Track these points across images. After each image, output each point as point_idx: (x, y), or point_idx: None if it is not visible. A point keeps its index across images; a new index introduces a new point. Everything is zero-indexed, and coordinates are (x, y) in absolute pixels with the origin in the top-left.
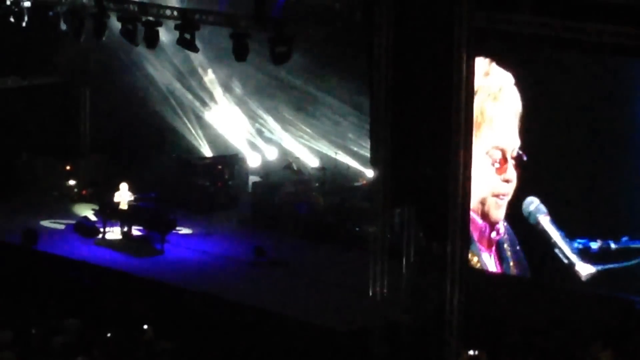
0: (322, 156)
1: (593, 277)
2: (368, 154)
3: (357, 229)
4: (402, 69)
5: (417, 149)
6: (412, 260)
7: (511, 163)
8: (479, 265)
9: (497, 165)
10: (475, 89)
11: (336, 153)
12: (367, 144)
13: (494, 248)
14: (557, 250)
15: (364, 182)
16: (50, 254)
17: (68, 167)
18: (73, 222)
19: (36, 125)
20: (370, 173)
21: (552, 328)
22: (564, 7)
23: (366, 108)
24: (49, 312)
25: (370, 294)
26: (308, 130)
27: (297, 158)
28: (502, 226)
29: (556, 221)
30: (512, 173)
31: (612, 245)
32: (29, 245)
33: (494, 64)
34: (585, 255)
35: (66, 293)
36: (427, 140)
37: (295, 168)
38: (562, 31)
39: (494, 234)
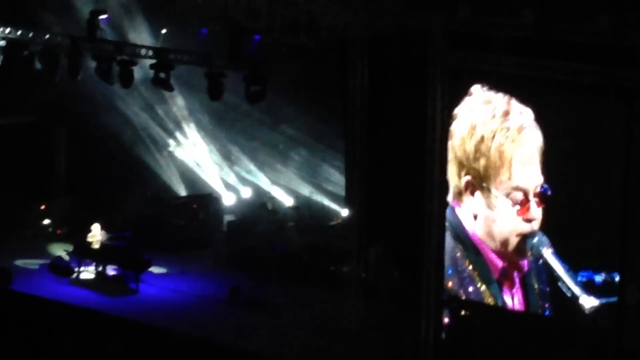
0: (296, 195)
1: (597, 310)
2: (343, 193)
3: (332, 268)
4: (377, 108)
5: (391, 188)
6: (387, 299)
7: (534, 201)
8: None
9: (517, 207)
10: (492, 132)
11: (311, 192)
12: (342, 183)
13: (517, 286)
14: (560, 283)
15: (339, 221)
16: (25, 293)
17: (42, 207)
18: (47, 261)
19: (10, 164)
20: (344, 212)
21: None
22: (538, 47)
23: (341, 147)
24: (24, 352)
25: (346, 333)
26: (283, 169)
27: (272, 197)
28: (526, 263)
29: (560, 254)
30: (535, 211)
31: (617, 278)
32: (3, 285)
33: (513, 101)
34: (589, 288)
35: (40, 333)
36: (401, 179)
37: (270, 207)
38: (536, 70)
39: (516, 273)
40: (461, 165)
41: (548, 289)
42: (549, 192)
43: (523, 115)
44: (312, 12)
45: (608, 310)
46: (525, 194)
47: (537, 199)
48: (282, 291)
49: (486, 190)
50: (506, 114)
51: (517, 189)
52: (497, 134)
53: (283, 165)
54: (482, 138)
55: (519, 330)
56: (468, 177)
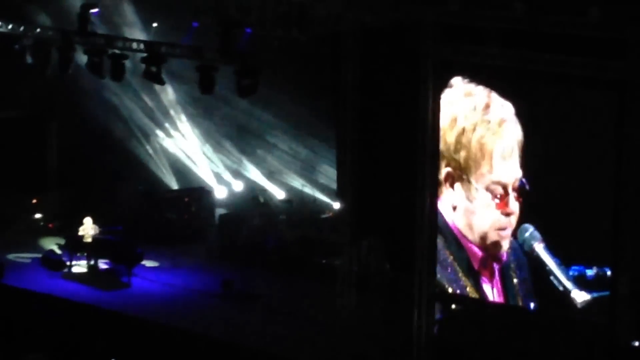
0: (289, 188)
1: (589, 304)
2: (334, 186)
3: (323, 260)
4: (368, 101)
5: (383, 181)
6: (379, 292)
7: (512, 195)
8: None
9: (497, 200)
10: (473, 125)
11: (303, 185)
12: (334, 176)
13: (497, 277)
14: (552, 278)
15: (331, 214)
16: (17, 287)
17: (34, 201)
18: (39, 255)
19: (2, 158)
20: (336, 205)
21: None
22: (529, 39)
23: (333, 140)
24: (15, 345)
25: (338, 325)
26: (275, 162)
27: (264, 190)
28: (505, 253)
29: (551, 248)
30: (513, 205)
31: (608, 273)
32: None
33: (494, 94)
34: (581, 282)
35: (32, 326)
36: (393, 172)
37: (261, 200)
38: (527, 63)
39: (495, 264)
40: (441, 157)
41: (529, 280)
42: (527, 187)
43: (504, 108)
44: (303, 5)
45: (600, 305)
46: (505, 187)
47: (515, 194)
48: (274, 284)
49: (466, 182)
50: (487, 107)
51: (497, 183)
52: (478, 126)
53: (275, 159)
54: (463, 130)
55: (511, 325)
56: (448, 169)
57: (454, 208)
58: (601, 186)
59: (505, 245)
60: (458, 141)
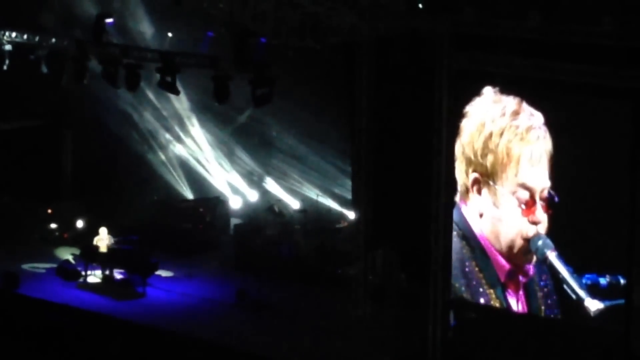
0: (303, 198)
1: (602, 313)
2: (349, 196)
3: (338, 270)
4: (383, 110)
5: (398, 191)
6: (394, 301)
7: (540, 204)
8: None
9: (523, 206)
10: (501, 129)
11: (318, 195)
12: (349, 185)
13: (521, 291)
14: (565, 286)
15: (346, 223)
16: (32, 297)
17: (49, 211)
18: (54, 265)
19: (17, 168)
20: (351, 215)
21: None
22: (544, 48)
23: (348, 150)
24: (31, 356)
25: (353, 335)
26: (289, 172)
27: (279, 200)
28: (531, 267)
29: (564, 256)
30: (540, 215)
31: (622, 281)
32: (10, 289)
33: (524, 104)
34: (594, 291)
35: (47, 337)
36: (408, 181)
37: (276, 210)
38: (543, 72)
39: (522, 277)
40: (469, 162)
41: (553, 295)
42: (556, 199)
43: (534, 117)
44: (318, 15)
45: (614, 313)
46: (532, 194)
47: (543, 204)
48: (288, 294)
49: (493, 188)
50: (516, 113)
51: (522, 186)
52: (505, 131)
53: (290, 169)
54: (491, 135)
55: (526, 334)
56: (475, 174)
57: (481, 215)
58: (616, 194)
59: (532, 257)
60: (485, 146)
